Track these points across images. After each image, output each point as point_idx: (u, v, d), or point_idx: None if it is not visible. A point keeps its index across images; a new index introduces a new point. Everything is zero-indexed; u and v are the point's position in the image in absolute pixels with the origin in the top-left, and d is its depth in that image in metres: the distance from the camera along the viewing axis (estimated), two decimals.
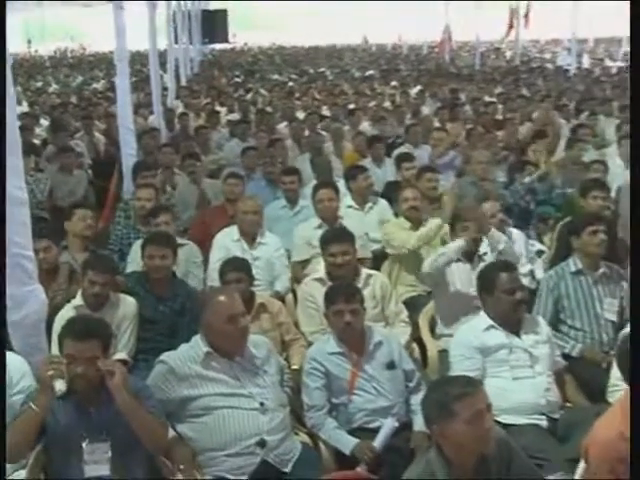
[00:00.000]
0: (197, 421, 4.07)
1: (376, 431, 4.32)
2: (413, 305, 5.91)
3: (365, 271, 5.59)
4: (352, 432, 4.40)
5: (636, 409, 3.09)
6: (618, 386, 4.15)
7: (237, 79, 23.42)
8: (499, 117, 12.53)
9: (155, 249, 5.44)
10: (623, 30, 36.58)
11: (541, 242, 7.16)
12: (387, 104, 14.75)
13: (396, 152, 9.36)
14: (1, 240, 4.10)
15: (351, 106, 14.08)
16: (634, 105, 3.85)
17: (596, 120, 11.51)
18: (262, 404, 4.09)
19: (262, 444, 4.02)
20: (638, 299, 3.44)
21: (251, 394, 4.11)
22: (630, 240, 3.76)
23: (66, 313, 4.94)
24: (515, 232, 6.54)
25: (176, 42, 19.27)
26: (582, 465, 3.64)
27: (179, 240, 6.14)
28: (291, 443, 4.17)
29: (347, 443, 4.31)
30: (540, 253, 6.73)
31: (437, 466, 3.28)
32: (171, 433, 4.04)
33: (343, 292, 4.64)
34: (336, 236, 5.61)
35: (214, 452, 4.02)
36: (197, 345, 4.19)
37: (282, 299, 6.04)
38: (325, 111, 13.59)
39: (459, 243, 5.43)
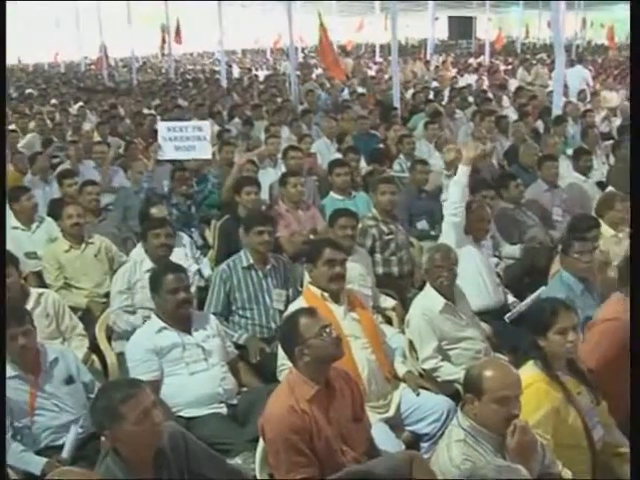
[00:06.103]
0: None
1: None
2: (88, 317, 5.77)
3: (34, 290, 5.37)
4: (41, 452, 4.21)
5: (636, 408, 3.15)
6: (284, 365, 4.31)
7: None
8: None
9: None
10: (267, 42, 38.49)
11: (205, 241, 7.27)
12: (47, 122, 14.14)
13: (58, 169, 9.07)
14: (1, 240, 3.48)
15: (11, 127, 13.34)
16: (634, 104, 3.93)
17: (251, 125, 11.90)
18: None
19: None
20: (638, 297, 3.53)
21: None
22: (630, 239, 3.87)
23: None
24: (182, 235, 6.60)
25: None
26: (261, 443, 3.74)
27: None
28: None
29: (36, 464, 4.12)
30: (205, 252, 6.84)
31: (116, 468, 3.25)
32: None
33: (13, 316, 4.37)
34: None
35: None
36: None
37: None
38: None
39: None
